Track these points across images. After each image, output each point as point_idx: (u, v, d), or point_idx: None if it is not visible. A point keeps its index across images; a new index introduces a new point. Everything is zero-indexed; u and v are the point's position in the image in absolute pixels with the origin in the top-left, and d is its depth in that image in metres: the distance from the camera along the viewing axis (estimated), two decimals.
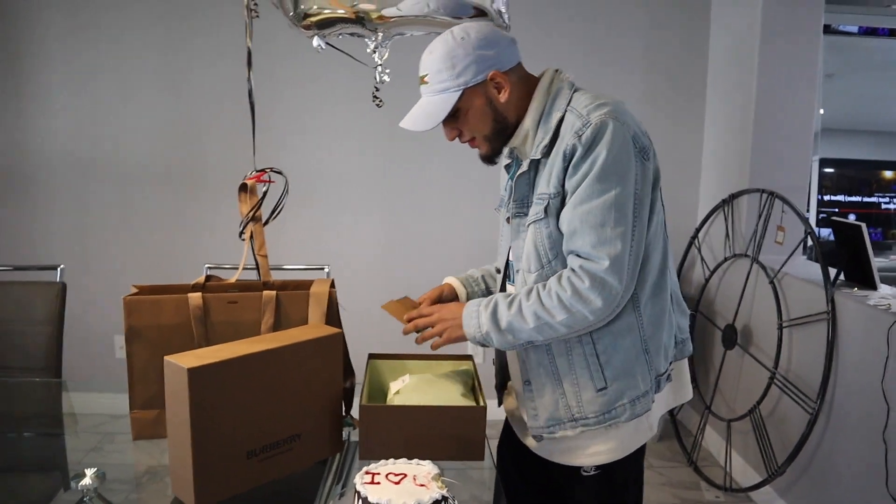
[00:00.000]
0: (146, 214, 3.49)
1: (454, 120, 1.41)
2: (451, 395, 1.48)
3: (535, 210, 1.36)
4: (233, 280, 1.59)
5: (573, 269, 1.31)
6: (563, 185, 1.32)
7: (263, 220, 1.67)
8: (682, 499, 2.88)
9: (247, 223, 1.62)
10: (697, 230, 3.38)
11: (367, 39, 1.60)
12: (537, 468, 1.52)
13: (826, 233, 3.75)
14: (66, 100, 3.42)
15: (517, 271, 1.44)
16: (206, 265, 2.17)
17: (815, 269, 2.58)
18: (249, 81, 1.69)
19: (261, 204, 1.63)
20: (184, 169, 3.46)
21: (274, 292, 1.52)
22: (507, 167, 1.55)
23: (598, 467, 1.44)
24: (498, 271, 1.60)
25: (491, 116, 1.39)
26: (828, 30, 3.61)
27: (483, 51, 1.35)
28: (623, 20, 3.41)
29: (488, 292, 1.66)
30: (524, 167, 1.40)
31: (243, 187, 1.64)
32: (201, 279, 1.56)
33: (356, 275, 3.41)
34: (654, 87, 3.47)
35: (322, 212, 3.48)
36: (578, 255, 1.31)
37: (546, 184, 1.35)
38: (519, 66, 1.42)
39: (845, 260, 2.50)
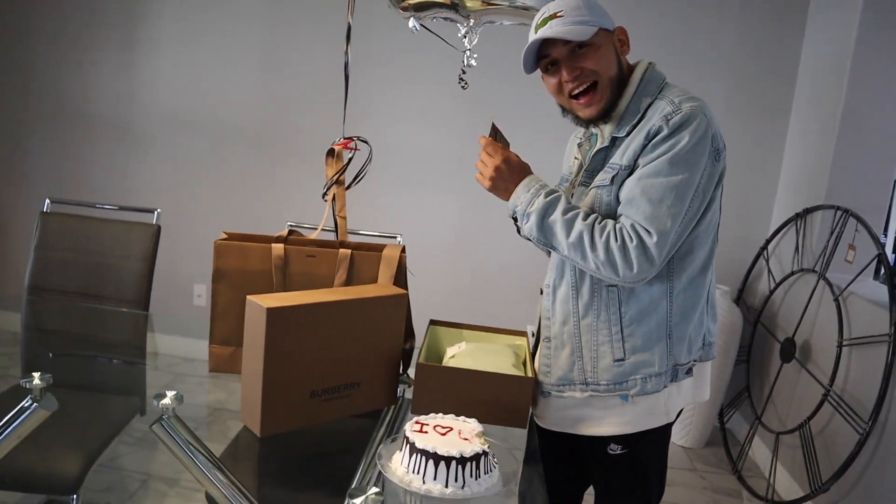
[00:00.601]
0: (237, 171, 3.70)
1: (583, 55, 1.41)
2: (502, 364, 1.57)
3: (602, 177, 1.42)
4: (313, 236, 1.72)
5: (627, 228, 1.35)
6: (635, 160, 1.38)
7: (346, 185, 1.79)
8: None
9: (330, 185, 1.74)
10: (768, 241, 3.36)
11: (458, 25, 1.69)
12: (559, 440, 1.59)
13: None
14: (173, 57, 3.65)
15: None
16: (288, 223, 2.31)
17: (882, 291, 2.56)
18: (347, 54, 1.80)
19: (345, 169, 1.76)
20: (275, 132, 3.65)
21: (349, 251, 1.64)
22: (580, 145, 1.61)
23: (623, 447, 1.51)
24: None
25: (616, 63, 1.44)
26: None
27: (606, 12, 1.44)
28: (714, 23, 3.39)
29: None
30: (605, 142, 1.45)
31: (331, 152, 1.77)
32: (284, 232, 1.69)
33: (428, 248, 3.54)
34: (739, 95, 3.44)
35: (401, 185, 3.61)
36: (630, 221, 1.36)
37: (620, 156, 1.40)
38: None
39: None
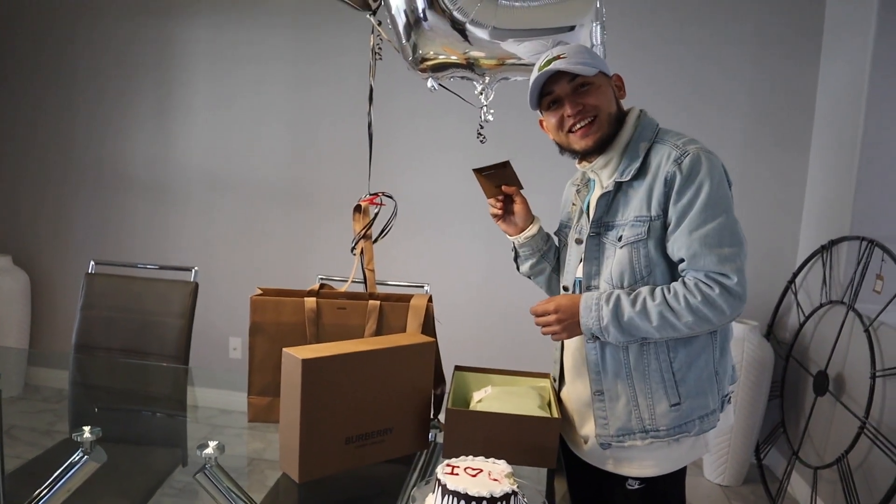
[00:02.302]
0: (268, 228, 3.83)
1: (584, 93, 1.49)
2: (528, 406, 1.61)
3: (636, 232, 1.47)
4: (343, 289, 1.80)
5: (700, 279, 1.41)
6: (663, 209, 1.44)
7: (373, 239, 1.88)
8: None
9: (358, 240, 1.83)
10: (795, 274, 3.37)
11: (475, 82, 1.78)
12: (584, 477, 1.63)
13: None
14: (205, 120, 3.83)
15: (587, 287, 1.55)
16: (319, 276, 2.40)
17: None
18: (370, 115, 1.91)
19: (372, 223, 1.84)
20: (303, 189, 3.79)
21: (378, 302, 1.71)
22: (577, 191, 1.68)
23: (641, 482, 1.54)
24: (565, 289, 1.68)
25: (615, 102, 1.53)
26: None
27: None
28: (731, 58, 3.46)
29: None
30: (608, 188, 1.51)
31: (357, 208, 1.86)
32: (316, 286, 1.78)
33: (455, 296, 3.61)
34: (758, 131, 3.49)
35: (427, 236, 3.70)
36: (705, 272, 1.41)
37: (645, 208, 1.46)
38: None
39: None
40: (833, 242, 3.09)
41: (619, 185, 1.50)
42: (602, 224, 1.53)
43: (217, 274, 3.79)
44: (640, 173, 1.48)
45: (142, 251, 3.90)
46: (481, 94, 1.79)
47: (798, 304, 3.32)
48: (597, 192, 1.55)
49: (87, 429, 1.37)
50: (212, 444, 1.47)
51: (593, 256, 1.55)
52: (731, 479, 3.36)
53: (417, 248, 3.71)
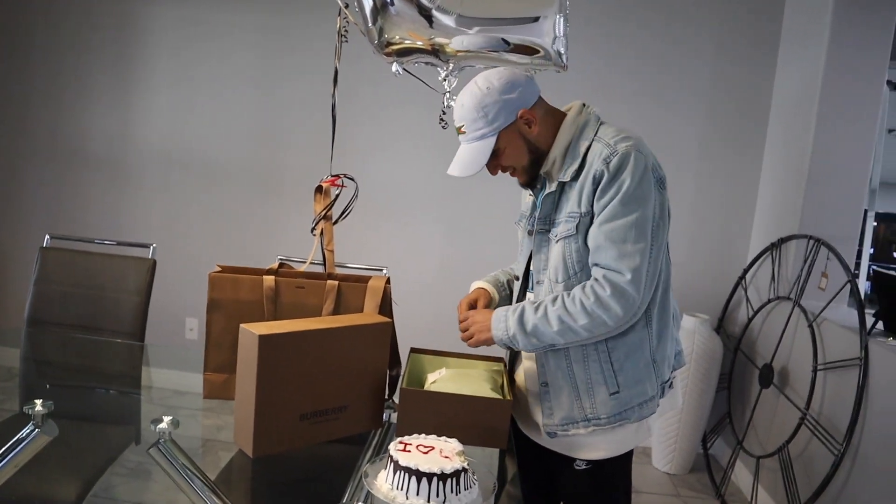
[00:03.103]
0: (228, 207, 3.80)
1: (495, 158, 1.57)
2: (481, 388, 1.65)
3: (567, 227, 1.53)
4: (302, 269, 1.81)
5: (596, 279, 1.47)
6: (592, 206, 1.48)
7: (333, 220, 1.89)
8: None
9: (319, 220, 1.83)
10: (745, 271, 3.47)
11: (439, 69, 1.80)
12: (534, 457, 1.69)
13: None
14: (166, 100, 3.78)
15: (538, 282, 1.61)
16: (279, 256, 2.40)
17: (854, 317, 2.66)
18: (334, 97, 1.91)
19: (332, 205, 1.85)
20: (265, 170, 3.77)
21: (336, 282, 1.72)
22: (532, 187, 1.71)
23: (588, 462, 1.59)
24: (517, 278, 1.74)
25: (526, 149, 1.57)
26: (892, 84, 3.65)
27: (508, 94, 1.52)
28: (688, 63, 3.54)
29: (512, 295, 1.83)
30: (552, 188, 1.56)
31: (319, 189, 1.86)
32: (275, 265, 1.78)
33: (414, 280, 3.64)
34: (713, 133, 3.58)
35: (388, 220, 3.72)
36: (602, 268, 1.47)
37: (577, 204, 1.51)
38: (540, 99, 1.58)
39: (884, 309, 2.57)
40: (782, 240, 3.19)
41: (562, 185, 1.55)
42: (549, 220, 1.59)
43: (175, 254, 3.75)
44: (580, 172, 1.52)
45: (99, 228, 3.84)
46: (445, 80, 1.81)
47: (748, 300, 3.42)
48: (546, 191, 1.59)
49: (38, 402, 1.36)
50: (166, 418, 1.47)
51: (540, 251, 1.61)
52: (678, 467, 3.45)
53: (378, 232, 3.72)
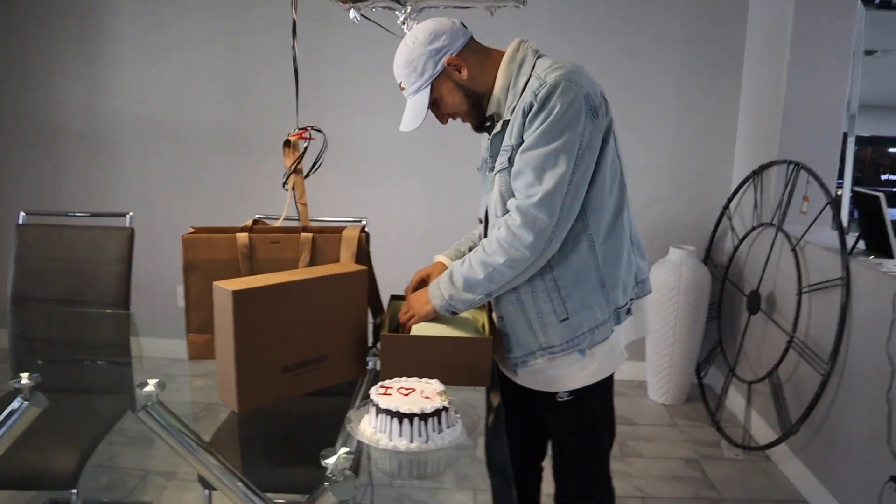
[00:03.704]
0: (205, 171, 3.78)
1: (436, 108, 1.62)
2: (461, 330, 1.66)
3: (500, 160, 1.54)
4: (277, 224, 1.81)
5: (508, 212, 1.49)
6: (522, 138, 1.48)
7: (304, 173, 1.88)
8: (703, 455, 3.02)
9: (289, 174, 1.82)
10: (729, 200, 3.47)
11: (397, 12, 1.77)
12: (518, 395, 1.71)
13: None
14: (134, 67, 3.72)
15: (494, 216, 1.61)
16: (257, 214, 2.39)
17: (836, 238, 2.66)
18: (294, 49, 1.89)
19: (301, 158, 1.84)
20: (238, 130, 3.73)
21: (311, 235, 1.72)
22: (487, 131, 1.72)
23: (570, 393, 1.61)
24: (480, 221, 1.76)
25: (462, 94, 1.57)
26: (872, 4, 3.60)
27: (432, 45, 1.54)
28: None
29: None
30: (497, 128, 1.57)
31: (287, 143, 1.85)
32: (249, 222, 1.78)
33: (394, 230, 3.64)
34: (691, 64, 3.54)
35: (367, 172, 3.71)
36: (515, 199, 1.48)
37: (508, 137, 1.52)
38: (472, 43, 1.58)
39: (864, 229, 2.58)
40: (763, 168, 3.19)
41: (506, 123, 1.55)
42: (496, 160, 1.60)
43: (157, 222, 3.73)
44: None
45: (77, 202, 3.79)
46: (403, 24, 1.78)
47: (732, 229, 3.43)
48: (494, 131, 1.60)
49: (24, 375, 1.37)
50: (152, 381, 1.48)
51: (489, 189, 1.63)
52: (673, 398, 3.51)
53: (358, 185, 3.71)
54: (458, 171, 3.63)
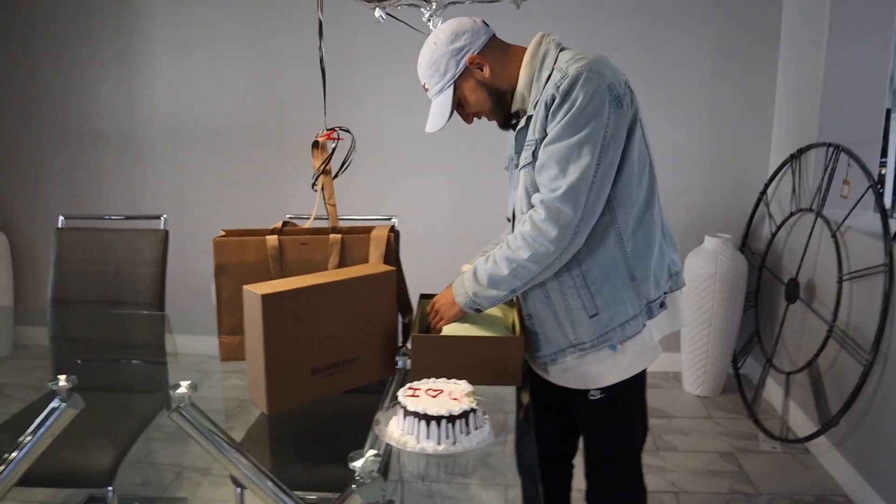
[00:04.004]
0: (237, 171, 3.82)
1: (461, 108, 1.62)
2: (491, 329, 1.65)
3: (524, 155, 1.53)
4: (306, 226, 1.82)
5: (533, 205, 1.47)
6: (546, 131, 1.47)
7: (333, 174, 1.88)
8: (739, 448, 2.97)
9: (318, 175, 1.83)
10: (766, 185, 3.39)
11: (422, 9, 1.76)
12: (549, 393, 1.70)
13: None
14: (167, 70, 3.76)
15: (517, 219, 1.60)
16: (288, 215, 2.41)
17: (879, 223, 2.59)
18: (321, 50, 1.89)
19: (330, 158, 1.84)
20: (269, 130, 3.76)
21: (339, 235, 1.73)
22: (514, 128, 1.70)
23: (602, 391, 1.59)
24: (508, 220, 1.74)
25: (485, 92, 1.57)
26: None
27: (454, 44, 1.54)
28: None
29: None
30: (521, 123, 1.56)
31: (315, 144, 1.86)
32: (279, 224, 1.79)
33: (424, 228, 3.64)
34: (726, 46, 3.46)
35: (396, 169, 3.70)
36: (539, 193, 1.46)
37: (532, 131, 1.50)
38: (493, 40, 1.58)
39: None
40: (801, 151, 3.11)
41: (529, 118, 1.54)
42: (520, 156, 1.58)
43: (192, 222, 3.78)
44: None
45: (114, 204, 3.88)
46: (429, 20, 1.77)
47: (770, 215, 3.36)
48: (519, 126, 1.59)
49: (62, 377, 1.41)
50: (184, 383, 1.51)
51: (515, 186, 1.62)
52: (709, 389, 3.46)
53: (387, 182, 3.71)
54: (487, 169, 3.61)
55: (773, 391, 3.32)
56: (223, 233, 1.77)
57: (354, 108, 3.60)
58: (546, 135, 1.47)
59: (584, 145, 1.41)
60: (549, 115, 1.46)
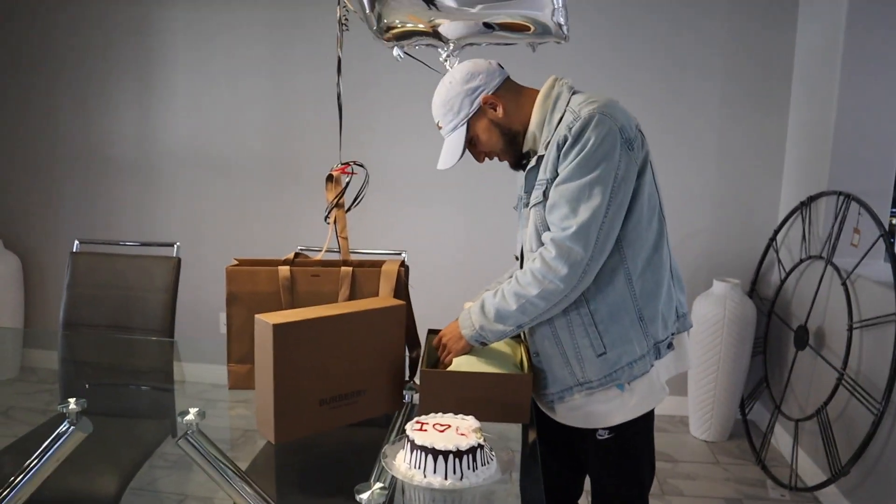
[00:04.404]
0: (249, 203, 3.86)
1: (473, 146, 1.64)
2: (500, 365, 1.66)
3: (535, 194, 1.55)
4: (318, 258, 1.84)
5: (543, 243, 1.49)
6: (557, 172, 1.49)
7: (346, 207, 1.91)
8: (747, 495, 2.93)
9: (331, 209, 1.86)
10: (776, 232, 3.40)
11: (440, 49, 1.80)
12: (556, 432, 1.69)
13: None
14: (185, 101, 3.83)
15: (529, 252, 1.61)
16: (299, 247, 2.43)
17: (890, 272, 2.59)
18: (339, 86, 1.93)
19: (343, 192, 1.87)
20: (282, 163, 3.81)
21: (350, 268, 1.74)
22: (523, 168, 1.73)
23: (609, 430, 1.59)
24: (517, 258, 1.76)
25: (498, 132, 1.60)
26: None
27: (469, 84, 1.57)
28: (705, 23, 3.46)
29: None
30: (532, 163, 1.59)
31: (329, 178, 1.89)
32: (290, 255, 1.81)
33: (433, 263, 3.66)
34: (736, 91, 3.49)
35: (405, 203, 3.74)
36: (550, 232, 1.48)
37: (543, 171, 1.53)
38: (508, 82, 1.61)
39: None
40: (812, 199, 3.12)
41: (540, 158, 1.56)
42: (531, 195, 1.60)
43: (204, 251, 3.82)
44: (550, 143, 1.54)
45: (128, 230, 3.92)
46: (446, 60, 1.80)
47: (779, 261, 3.36)
48: (528, 168, 1.62)
49: (72, 400, 1.42)
50: (192, 410, 1.51)
51: (524, 225, 1.64)
52: (716, 434, 3.42)
53: (396, 215, 3.74)
54: (496, 207, 3.64)
55: (781, 438, 3.29)
56: (236, 262, 1.79)
57: (369, 142, 3.64)
58: (557, 174, 1.49)
59: (595, 186, 1.44)
60: (561, 156, 1.48)
